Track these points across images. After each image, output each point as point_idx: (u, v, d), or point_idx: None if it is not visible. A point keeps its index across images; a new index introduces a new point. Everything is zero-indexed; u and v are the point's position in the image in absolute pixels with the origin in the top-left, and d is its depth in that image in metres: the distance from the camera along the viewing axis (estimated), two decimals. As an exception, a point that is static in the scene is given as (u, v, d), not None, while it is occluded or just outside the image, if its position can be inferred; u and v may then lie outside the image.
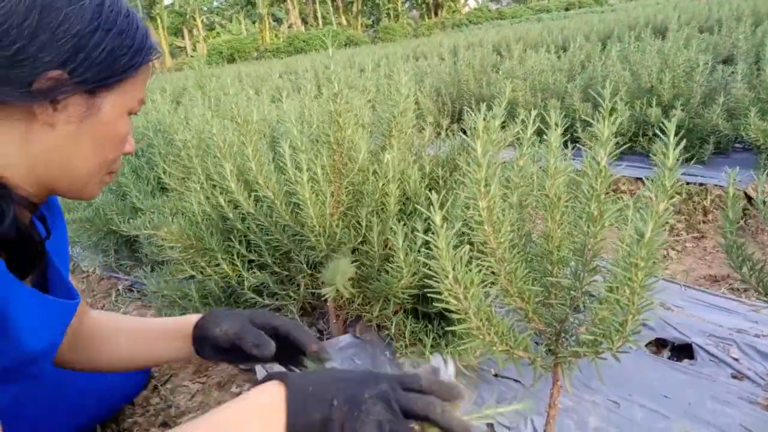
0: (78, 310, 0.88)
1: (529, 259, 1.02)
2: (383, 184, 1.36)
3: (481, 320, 0.82)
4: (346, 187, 1.39)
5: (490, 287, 0.88)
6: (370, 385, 0.63)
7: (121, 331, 1.02)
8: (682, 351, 1.29)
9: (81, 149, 0.72)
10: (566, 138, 3.23)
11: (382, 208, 1.37)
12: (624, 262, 0.75)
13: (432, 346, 1.28)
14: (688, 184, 2.51)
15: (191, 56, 33.11)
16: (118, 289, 2.02)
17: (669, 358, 1.28)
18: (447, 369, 0.72)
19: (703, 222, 2.39)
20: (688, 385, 1.14)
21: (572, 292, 0.87)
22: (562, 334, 0.91)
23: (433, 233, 0.76)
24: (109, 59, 0.69)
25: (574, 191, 0.99)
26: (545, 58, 3.59)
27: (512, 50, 4.97)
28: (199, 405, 1.31)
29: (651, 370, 1.20)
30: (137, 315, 1.84)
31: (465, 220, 1.21)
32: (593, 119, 2.54)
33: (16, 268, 0.69)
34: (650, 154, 2.69)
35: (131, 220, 1.77)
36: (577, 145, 2.80)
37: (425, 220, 1.46)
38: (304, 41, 30.77)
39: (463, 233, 0.91)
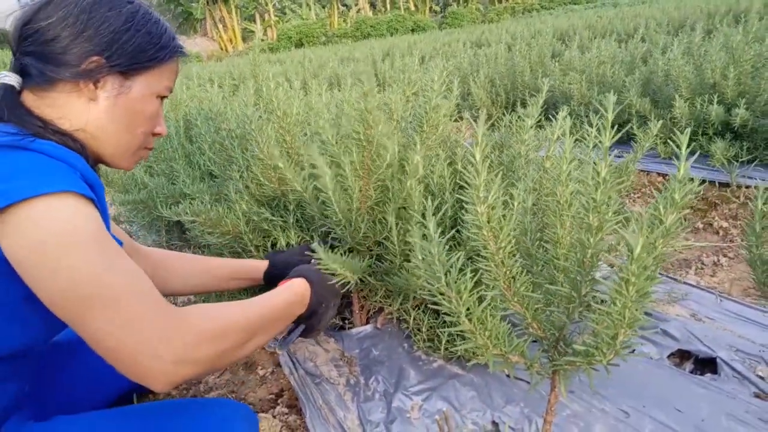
0: (134, 249, 1.19)
1: (536, 264, 1.02)
2: (409, 183, 1.38)
3: (473, 324, 0.84)
4: (375, 183, 1.43)
5: (489, 290, 0.90)
6: (336, 297, 1.17)
7: (194, 266, 1.30)
8: (707, 365, 1.25)
9: (116, 121, 0.89)
10: (621, 134, 3.12)
11: (406, 206, 1.39)
12: (617, 275, 0.74)
13: (447, 341, 1.30)
14: (747, 187, 2.38)
15: (261, 40, 33.92)
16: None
17: (691, 371, 1.24)
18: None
19: (763, 228, 2.26)
20: (705, 400, 1.11)
21: (571, 301, 0.87)
22: (561, 342, 0.91)
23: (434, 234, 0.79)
24: (137, 51, 0.89)
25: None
26: (605, 50, 3.46)
27: (575, 39, 4.82)
28: (225, 382, 1.40)
29: (668, 381, 1.18)
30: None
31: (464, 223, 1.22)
32: (651, 115, 2.49)
33: None
34: (709, 154, 2.57)
35: (179, 204, 1.88)
36: (632, 142, 2.70)
37: (451, 217, 1.48)
38: (371, 26, 30.83)
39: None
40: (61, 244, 0.69)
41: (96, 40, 0.85)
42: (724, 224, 2.33)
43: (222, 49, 32.86)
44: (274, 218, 1.51)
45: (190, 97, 2.73)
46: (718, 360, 1.21)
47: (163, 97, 0.97)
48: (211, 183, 1.97)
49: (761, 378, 1.15)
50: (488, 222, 0.85)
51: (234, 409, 1.00)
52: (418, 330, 1.37)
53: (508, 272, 0.88)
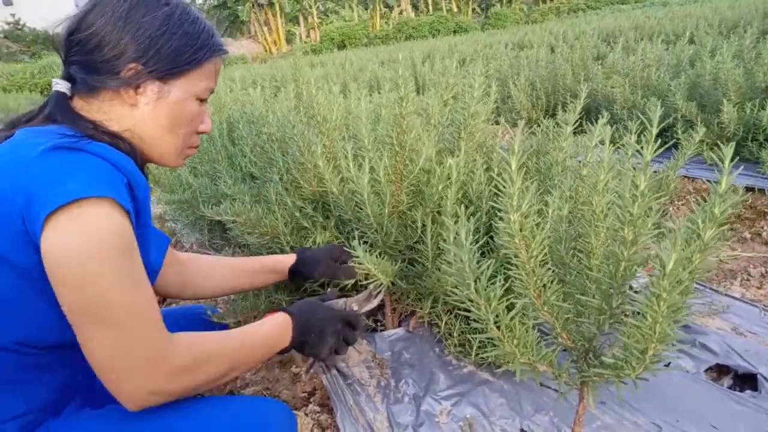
0: (175, 258, 1.23)
1: (569, 273, 1.02)
2: (443, 187, 1.39)
3: (502, 331, 0.84)
4: (407, 188, 1.44)
5: (519, 298, 0.90)
6: (331, 325, 1.12)
7: (224, 268, 1.33)
8: (747, 381, 1.21)
9: (158, 124, 0.92)
10: (665, 140, 3.04)
11: (440, 211, 1.40)
12: (649, 290, 0.74)
13: (478, 347, 1.30)
14: (801, 197, 2.28)
15: (304, 42, 34.35)
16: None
17: (730, 387, 1.21)
18: (373, 301, 1.28)
19: (814, 240, 2.17)
20: (742, 417, 1.08)
21: (601, 313, 0.86)
22: (590, 353, 0.91)
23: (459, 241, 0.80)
24: (174, 54, 0.90)
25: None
26: (650, 52, 3.37)
27: (620, 41, 4.71)
28: (261, 379, 1.44)
29: (705, 397, 1.15)
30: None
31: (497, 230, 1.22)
32: (697, 120, 2.43)
33: None
34: (759, 161, 2.47)
35: (220, 204, 1.94)
36: (674, 148, 2.63)
37: (485, 223, 1.48)
38: (413, 28, 30.82)
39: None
40: (83, 253, 0.73)
41: (133, 47, 0.87)
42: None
43: (266, 50, 33.47)
44: (315, 215, 1.53)
45: (233, 100, 2.81)
46: (758, 376, 1.18)
47: (203, 99, 0.99)
48: (252, 184, 2.02)
49: (805, 397, 1.11)
50: (520, 230, 0.85)
51: (275, 407, 1.02)
52: (449, 335, 1.38)
53: (538, 281, 0.89)
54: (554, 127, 1.55)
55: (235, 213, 1.60)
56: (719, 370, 1.26)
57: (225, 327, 1.45)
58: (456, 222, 0.84)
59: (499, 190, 0.83)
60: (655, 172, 2.72)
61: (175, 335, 0.86)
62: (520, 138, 0.79)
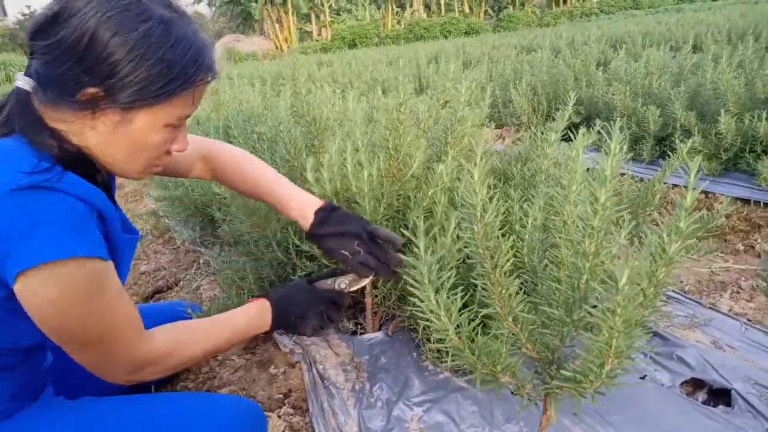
0: (205, 158, 1.24)
1: (541, 283, 1.02)
2: (432, 193, 1.39)
3: (462, 341, 0.84)
4: (398, 192, 1.44)
5: (484, 308, 0.90)
6: (312, 307, 1.13)
7: (243, 180, 1.27)
8: (721, 396, 1.20)
9: (117, 150, 0.86)
10: (663, 149, 3.02)
11: (430, 215, 1.40)
12: (604, 305, 0.73)
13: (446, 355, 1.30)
14: (796, 211, 2.26)
15: (315, 40, 34.41)
16: (199, 263, 2.23)
17: (704, 402, 1.20)
18: (363, 281, 1.19)
19: (807, 255, 2.14)
20: (713, 434, 1.07)
21: (564, 325, 0.86)
22: (553, 365, 0.90)
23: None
24: (141, 85, 0.79)
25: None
26: (654, 59, 3.35)
27: (623, 48, 4.69)
28: (238, 379, 1.44)
29: (677, 411, 1.14)
30: (210, 288, 2.03)
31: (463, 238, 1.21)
32: (695, 130, 2.41)
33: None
34: (755, 173, 2.45)
35: (209, 204, 1.95)
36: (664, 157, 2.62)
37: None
38: (424, 28, 30.78)
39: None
40: (60, 303, 0.78)
41: (95, 70, 0.77)
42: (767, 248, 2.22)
43: (277, 48, 33.56)
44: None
45: (232, 98, 2.82)
46: (732, 392, 1.17)
47: (174, 125, 0.90)
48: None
49: (777, 415, 1.10)
50: (485, 240, 0.85)
51: (247, 408, 1.05)
52: (428, 339, 1.38)
53: (504, 291, 0.88)
54: (542, 134, 1.54)
55: (228, 198, 1.61)
56: (695, 385, 1.25)
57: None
58: (446, 226, 0.84)
59: (464, 200, 0.83)
60: (641, 180, 2.70)
61: (152, 334, 0.93)
62: (482, 149, 0.79)
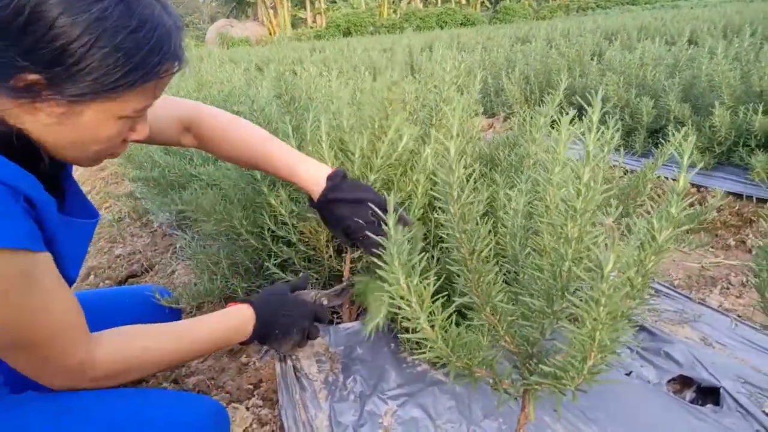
0: (192, 127, 1.13)
1: (523, 272, 0.95)
2: (416, 178, 1.32)
3: (436, 332, 0.78)
4: (381, 178, 1.37)
5: (460, 297, 0.83)
6: (297, 324, 1.05)
7: (252, 149, 1.14)
8: (709, 395, 1.15)
9: (62, 140, 0.75)
10: (656, 141, 2.96)
11: (410, 199, 1.33)
12: (586, 295, 0.67)
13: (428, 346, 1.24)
14: (787, 206, 2.21)
15: (310, 27, 34.11)
16: (176, 247, 2.16)
17: (691, 400, 1.14)
18: (343, 297, 1.21)
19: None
20: (700, 434, 1.02)
21: (545, 316, 0.79)
22: (533, 360, 0.84)
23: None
24: (94, 75, 0.68)
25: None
26: (649, 51, 3.29)
27: (623, 40, 4.62)
28: (207, 368, 1.38)
29: (663, 410, 1.09)
30: (185, 273, 1.96)
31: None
32: (689, 122, 2.34)
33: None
34: (748, 167, 2.40)
35: (186, 185, 1.87)
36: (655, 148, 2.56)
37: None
38: (420, 18, 30.57)
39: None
40: None
41: (35, 54, 0.64)
42: (760, 243, 2.18)
43: (271, 34, 33.22)
44: (271, 195, 1.45)
45: (215, 79, 2.73)
46: (721, 391, 1.12)
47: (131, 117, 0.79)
48: (219, 165, 1.95)
49: (767, 415, 1.05)
50: (462, 223, 0.78)
51: (207, 408, 0.91)
52: (406, 330, 1.31)
53: (482, 279, 0.82)
54: (531, 118, 1.48)
55: (184, 203, 1.53)
56: (683, 382, 1.19)
57: (177, 312, 1.39)
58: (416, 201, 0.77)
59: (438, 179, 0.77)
60: (630, 172, 2.64)
61: (100, 341, 0.82)
62: (458, 123, 0.72)
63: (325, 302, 1.16)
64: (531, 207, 1.07)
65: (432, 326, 0.78)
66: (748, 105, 2.42)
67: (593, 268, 0.64)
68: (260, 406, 1.21)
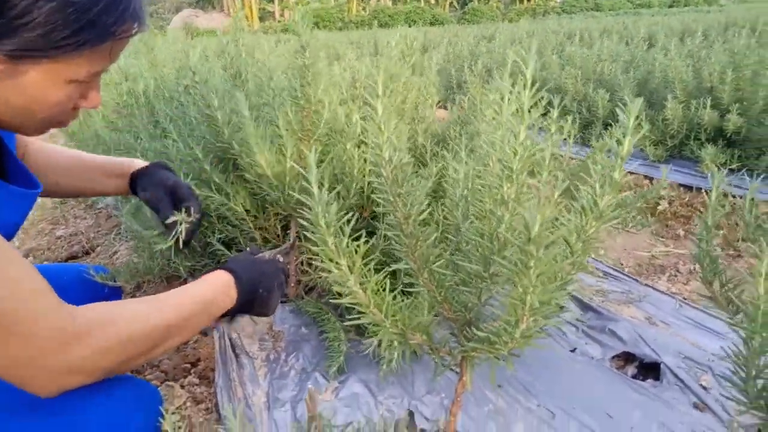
0: (23, 141, 1.01)
1: (464, 242, 0.93)
2: (350, 147, 1.29)
3: (368, 295, 0.75)
4: (315, 145, 1.33)
5: (397, 263, 0.81)
6: (276, 278, 0.97)
7: (61, 167, 1.07)
8: (651, 371, 1.16)
9: (5, 103, 0.67)
10: (611, 133, 2.98)
11: (345, 172, 1.30)
12: (517, 255, 0.65)
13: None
14: (734, 196, 2.27)
15: (278, 21, 33.73)
16: (120, 228, 2.07)
17: (634, 376, 1.15)
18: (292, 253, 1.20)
19: (743, 240, 2.16)
20: (640, 407, 1.02)
21: (482, 280, 0.77)
22: (471, 326, 0.82)
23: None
24: (39, 31, 0.61)
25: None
26: (607, 48, 3.34)
27: (584, 39, 4.69)
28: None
29: (605, 384, 1.09)
30: (128, 254, 1.88)
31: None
32: (643, 116, 2.35)
33: None
34: (699, 160, 2.46)
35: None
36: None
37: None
38: (389, 16, 30.57)
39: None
40: None
41: None
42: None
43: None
44: (209, 170, 1.40)
45: (169, 56, 2.64)
46: (662, 366, 1.12)
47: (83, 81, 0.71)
48: (167, 141, 1.89)
49: (704, 388, 1.06)
50: (396, 186, 0.75)
51: (135, 394, 0.84)
52: (339, 295, 1.28)
53: (418, 244, 0.79)
54: (482, 96, 1.47)
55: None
56: (626, 359, 1.20)
57: (116, 290, 1.32)
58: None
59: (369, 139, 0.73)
60: (577, 159, 2.67)
61: (88, 310, 0.67)
62: (384, 73, 0.69)
63: (282, 259, 1.10)
64: (476, 178, 1.06)
65: (364, 290, 0.75)
66: (699, 99, 2.48)
67: (522, 230, 0.62)
68: (196, 384, 1.16)
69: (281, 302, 1.41)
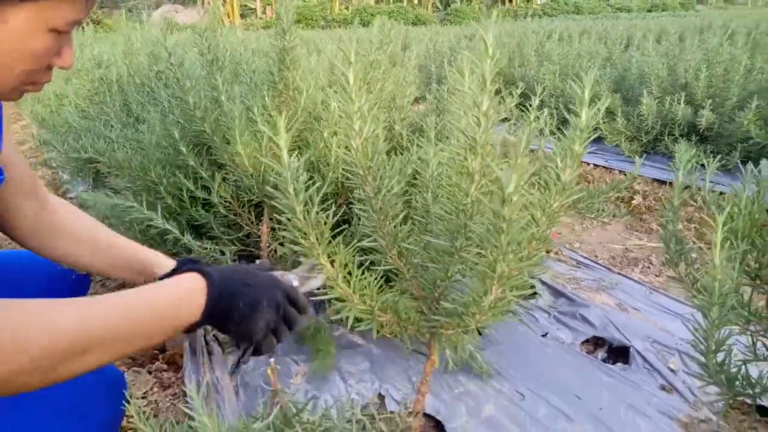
0: (39, 195, 0.90)
1: (432, 222, 0.93)
2: (327, 134, 1.28)
3: (336, 268, 0.74)
4: (293, 134, 1.32)
5: (365, 240, 0.80)
6: (268, 293, 0.76)
7: (86, 244, 0.92)
8: (621, 354, 1.17)
9: None
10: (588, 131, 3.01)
11: (322, 160, 1.29)
12: (488, 222, 0.64)
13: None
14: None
15: (259, 18, 33.50)
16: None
17: (603, 359, 1.16)
18: (319, 277, 0.83)
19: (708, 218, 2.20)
20: (608, 389, 1.02)
21: (449, 255, 0.77)
22: (439, 302, 0.81)
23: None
24: None
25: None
26: (586, 46, 3.38)
27: (563, 38, 4.74)
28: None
29: (574, 367, 1.09)
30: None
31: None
32: (618, 111, 2.37)
33: None
34: (672, 156, 2.49)
35: (105, 151, 1.75)
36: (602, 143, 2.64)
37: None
38: (371, 15, 30.55)
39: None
40: None
41: None
42: (680, 227, 2.26)
43: (219, 23, 32.34)
44: (186, 155, 1.38)
45: (144, 45, 2.60)
46: (631, 350, 1.13)
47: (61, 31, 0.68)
48: (139, 128, 1.85)
49: (672, 371, 1.07)
50: (365, 160, 0.75)
51: (99, 379, 0.79)
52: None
53: (387, 220, 0.79)
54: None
55: (96, 151, 1.44)
56: (596, 343, 1.21)
57: (85, 278, 1.28)
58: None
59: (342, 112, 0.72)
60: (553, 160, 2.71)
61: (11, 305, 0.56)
62: (361, 56, 0.68)
63: (296, 284, 0.85)
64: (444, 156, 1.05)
65: (332, 263, 0.74)
66: (674, 96, 2.52)
67: (495, 191, 0.61)
68: (164, 370, 1.14)
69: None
